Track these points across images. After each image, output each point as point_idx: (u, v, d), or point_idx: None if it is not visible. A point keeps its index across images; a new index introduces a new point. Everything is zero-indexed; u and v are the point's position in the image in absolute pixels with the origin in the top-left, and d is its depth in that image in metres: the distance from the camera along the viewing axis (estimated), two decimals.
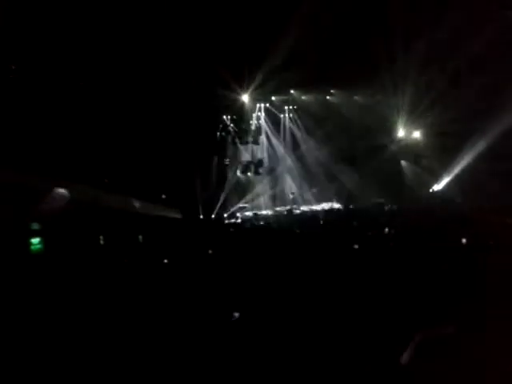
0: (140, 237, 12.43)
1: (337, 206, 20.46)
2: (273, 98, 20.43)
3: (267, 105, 20.59)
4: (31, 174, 12.36)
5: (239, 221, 18.68)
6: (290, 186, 21.23)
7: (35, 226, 12.13)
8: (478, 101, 16.18)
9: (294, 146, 21.15)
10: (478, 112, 16.47)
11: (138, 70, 15.11)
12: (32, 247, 11.48)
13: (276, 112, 20.86)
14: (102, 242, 12.23)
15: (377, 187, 19.10)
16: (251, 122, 20.43)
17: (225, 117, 19.95)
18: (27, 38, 12.92)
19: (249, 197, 20.30)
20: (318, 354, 4.39)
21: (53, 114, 14.05)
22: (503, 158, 15.71)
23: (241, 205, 19.83)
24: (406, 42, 15.82)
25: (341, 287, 6.29)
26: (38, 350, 4.83)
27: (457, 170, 18.37)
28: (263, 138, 20.99)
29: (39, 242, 11.61)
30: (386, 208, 18.51)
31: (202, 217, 17.91)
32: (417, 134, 20.89)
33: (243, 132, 20.25)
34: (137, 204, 15.12)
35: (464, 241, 9.29)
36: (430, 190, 19.95)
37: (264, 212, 19.92)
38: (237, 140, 20.28)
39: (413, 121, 19.91)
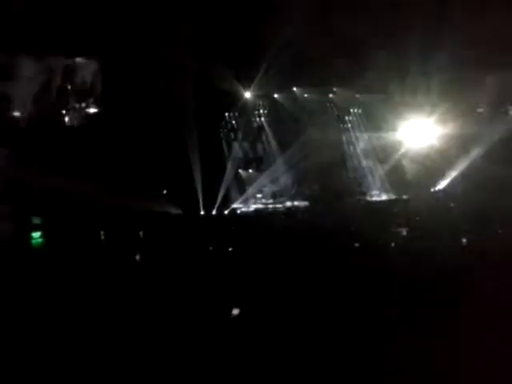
0: (141, 232, 12.44)
1: None
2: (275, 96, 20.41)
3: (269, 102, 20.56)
4: (31, 169, 12.38)
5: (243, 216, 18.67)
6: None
7: (36, 221, 12.14)
8: None
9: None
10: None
11: (139, 66, 15.09)
12: (33, 241, 11.51)
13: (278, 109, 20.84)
14: (102, 237, 12.24)
15: None
16: (253, 119, 20.37)
17: (227, 114, 19.94)
18: None
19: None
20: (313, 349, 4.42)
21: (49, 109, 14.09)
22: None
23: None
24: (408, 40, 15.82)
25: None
26: (39, 343, 4.85)
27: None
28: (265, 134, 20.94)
29: (40, 236, 11.64)
30: None
31: (202, 213, 17.87)
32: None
33: (245, 129, 20.22)
34: (138, 199, 15.10)
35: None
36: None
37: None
38: (239, 137, 20.26)
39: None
